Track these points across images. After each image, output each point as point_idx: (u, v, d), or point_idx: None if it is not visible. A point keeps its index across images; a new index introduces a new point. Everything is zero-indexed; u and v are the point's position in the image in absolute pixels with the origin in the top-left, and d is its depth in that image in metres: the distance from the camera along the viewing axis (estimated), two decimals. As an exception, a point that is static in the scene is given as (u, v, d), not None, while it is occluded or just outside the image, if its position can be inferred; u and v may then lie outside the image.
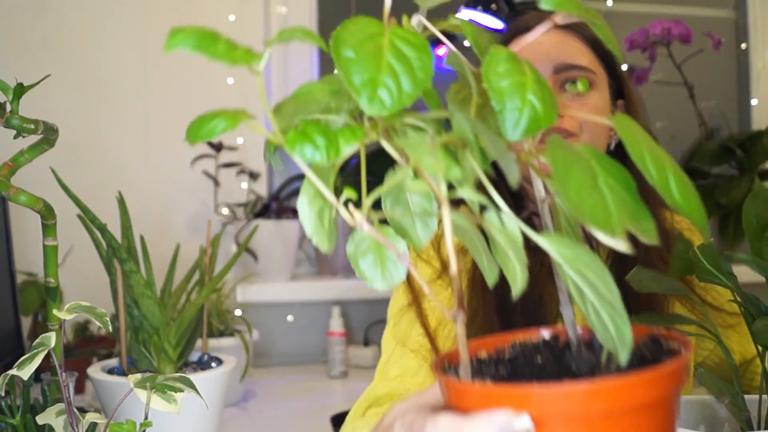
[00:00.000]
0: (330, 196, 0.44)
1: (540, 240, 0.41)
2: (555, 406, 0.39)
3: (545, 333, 0.52)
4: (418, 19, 0.50)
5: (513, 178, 0.40)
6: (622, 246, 0.37)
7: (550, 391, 0.39)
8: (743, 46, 2.42)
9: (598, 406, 0.39)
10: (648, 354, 0.45)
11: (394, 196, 0.50)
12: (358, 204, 0.43)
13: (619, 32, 2.28)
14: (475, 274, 1.04)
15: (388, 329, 1.08)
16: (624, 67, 2.28)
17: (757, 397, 0.71)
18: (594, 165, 0.42)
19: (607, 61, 1.06)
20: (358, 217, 0.43)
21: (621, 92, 1.09)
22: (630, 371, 0.41)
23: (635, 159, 0.43)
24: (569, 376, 0.43)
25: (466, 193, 0.43)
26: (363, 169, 0.46)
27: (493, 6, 2.09)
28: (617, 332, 0.41)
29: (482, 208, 0.44)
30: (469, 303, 1.03)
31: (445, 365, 0.48)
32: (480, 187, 0.44)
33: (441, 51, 2.08)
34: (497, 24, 2.06)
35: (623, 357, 0.40)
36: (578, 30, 1.04)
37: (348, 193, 0.43)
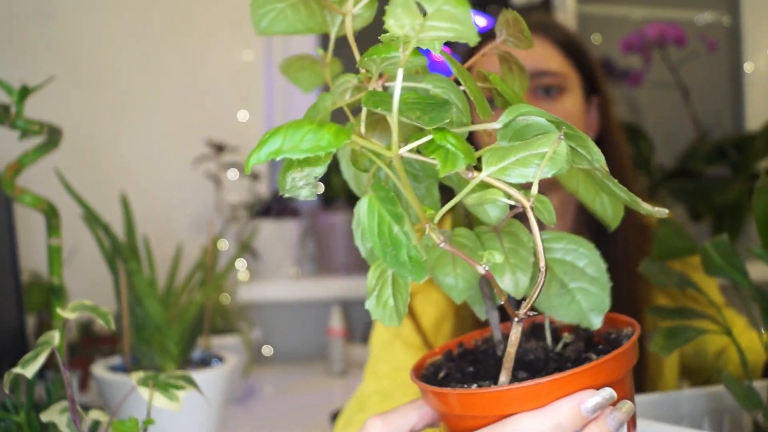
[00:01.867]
0: (422, 215, 0.45)
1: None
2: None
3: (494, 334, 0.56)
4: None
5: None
6: None
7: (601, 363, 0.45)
8: (737, 49, 2.43)
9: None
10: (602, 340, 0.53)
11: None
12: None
13: (615, 35, 2.29)
14: None
15: (377, 329, 1.09)
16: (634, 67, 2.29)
17: None
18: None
19: (579, 60, 1.06)
20: (438, 237, 0.45)
21: (595, 88, 1.10)
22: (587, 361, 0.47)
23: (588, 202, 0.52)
24: (531, 368, 0.49)
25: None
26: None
27: (491, 8, 2.10)
28: (598, 301, 0.50)
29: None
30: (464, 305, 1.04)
31: (427, 377, 0.53)
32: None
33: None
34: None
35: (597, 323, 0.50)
36: (548, 33, 1.05)
37: (429, 212, 0.45)
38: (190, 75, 1.99)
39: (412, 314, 1.06)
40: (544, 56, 1.03)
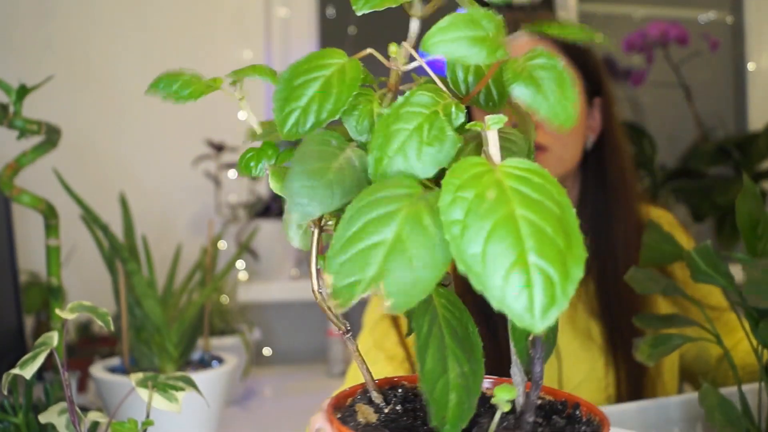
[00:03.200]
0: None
1: None
2: None
3: None
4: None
5: None
6: None
7: None
8: (739, 48, 2.43)
9: None
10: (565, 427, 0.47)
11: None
12: None
13: (617, 34, 2.28)
14: (458, 281, 1.04)
15: (362, 335, 1.08)
16: (636, 66, 2.29)
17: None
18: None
19: (580, 62, 1.06)
20: None
21: (598, 90, 1.09)
22: None
23: None
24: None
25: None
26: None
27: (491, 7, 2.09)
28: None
29: None
30: None
31: (343, 410, 0.48)
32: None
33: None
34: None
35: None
36: (548, 37, 1.04)
37: None
38: (189, 75, 1.98)
39: (397, 326, 1.05)
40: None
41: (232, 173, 1.92)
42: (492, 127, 0.40)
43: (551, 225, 0.35)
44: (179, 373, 0.73)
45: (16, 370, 0.60)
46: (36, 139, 0.88)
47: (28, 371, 0.60)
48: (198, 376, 1.02)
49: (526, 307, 0.34)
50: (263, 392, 1.65)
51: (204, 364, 1.15)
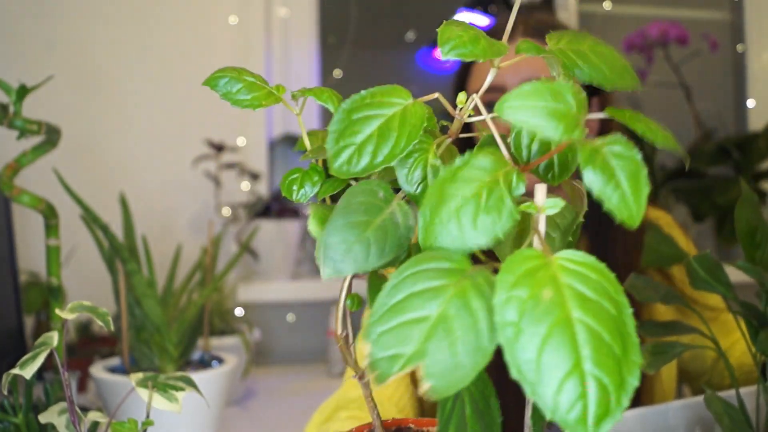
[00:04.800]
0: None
1: None
2: None
3: None
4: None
5: None
6: None
7: None
8: (739, 47, 2.43)
9: None
10: None
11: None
12: None
13: (617, 34, 2.29)
14: None
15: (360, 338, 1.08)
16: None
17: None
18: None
19: None
20: None
21: (596, 90, 1.09)
22: None
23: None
24: None
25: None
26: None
27: (492, 7, 2.09)
28: None
29: None
30: None
31: None
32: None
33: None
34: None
35: None
36: (544, 36, 1.04)
37: None
38: (190, 75, 1.98)
39: None
40: (541, 62, 1.03)
41: (232, 173, 1.92)
42: (548, 210, 0.39)
43: (608, 329, 0.34)
44: (179, 373, 0.73)
45: (16, 370, 0.60)
46: (36, 139, 0.88)
47: (28, 371, 0.60)
48: (198, 376, 1.02)
49: (579, 418, 0.33)
50: (263, 392, 1.65)
51: (204, 364, 1.15)
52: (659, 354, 0.70)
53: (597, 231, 1.05)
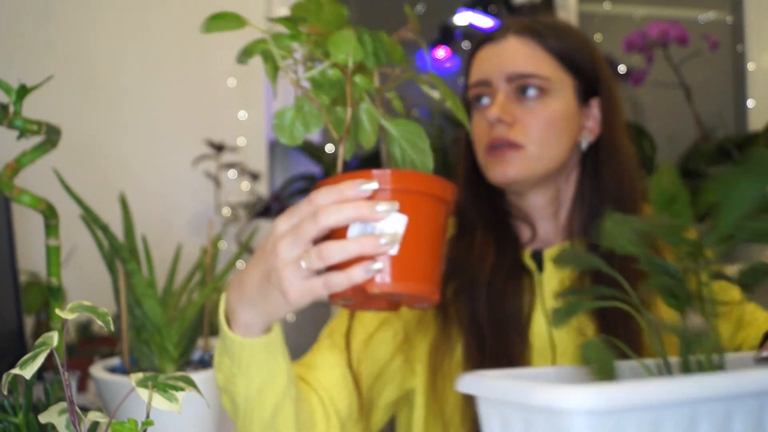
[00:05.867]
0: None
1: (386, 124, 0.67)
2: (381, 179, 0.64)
3: None
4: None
5: None
6: None
7: (379, 171, 0.63)
8: (739, 48, 2.43)
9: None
10: None
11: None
12: None
13: (617, 34, 2.28)
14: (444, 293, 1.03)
15: (330, 322, 1.07)
16: (623, 67, 2.28)
17: None
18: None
19: (573, 64, 1.05)
20: None
21: (595, 90, 1.08)
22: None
23: None
24: None
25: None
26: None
27: (492, 7, 2.09)
28: (421, 162, 0.68)
29: None
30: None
31: None
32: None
33: (440, 53, 2.08)
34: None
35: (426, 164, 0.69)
36: (534, 35, 1.04)
37: None
38: (189, 74, 1.98)
39: (350, 319, 1.02)
40: (527, 58, 1.03)
41: (232, 173, 1.92)
42: None
43: None
44: (179, 373, 0.73)
45: (16, 370, 0.60)
46: (36, 139, 0.88)
47: (28, 371, 0.59)
48: (198, 376, 1.02)
49: None
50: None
51: (204, 364, 1.15)
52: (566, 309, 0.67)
53: (591, 231, 1.04)
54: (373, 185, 0.63)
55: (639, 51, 2.11)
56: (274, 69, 0.64)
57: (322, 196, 0.64)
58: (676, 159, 2.23)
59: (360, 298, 0.65)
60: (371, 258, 0.62)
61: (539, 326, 1.02)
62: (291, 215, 0.67)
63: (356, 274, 0.63)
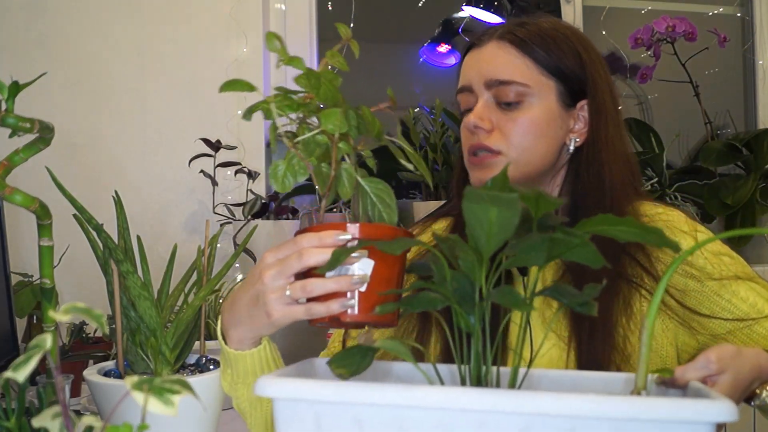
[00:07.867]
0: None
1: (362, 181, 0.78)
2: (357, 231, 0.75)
3: None
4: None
5: None
6: None
7: (351, 225, 0.75)
8: (749, 43, 2.42)
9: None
10: None
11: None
12: None
13: (624, 29, 2.27)
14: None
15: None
16: (631, 66, 2.27)
17: None
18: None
19: (557, 68, 1.05)
20: None
21: (583, 92, 1.07)
22: None
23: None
24: None
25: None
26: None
27: (495, 3, 2.08)
28: (387, 216, 0.78)
29: None
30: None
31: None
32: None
33: (442, 48, 2.07)
34: (499, 21, 2.06)
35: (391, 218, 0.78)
36: (515, 41, 1.04)
37: None
38: (185, 72, 1.97)
39: (346, 333, 1.15)
40: (506, 65, 1.04)
41: (229, 172, 1.91)
42: None
43: None
44: (175, 377, 0.71)
45: (8, 374, 0.58)
46: (29, 137, 0.87)
47: (21, 375, 0.58)
48: (194, 380, 1.01)
49: None
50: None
51: (200, 367, 1.14)
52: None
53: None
54: (348, 236, 0.75)
55: (646, 47, 2.10)
56: (274, 129, 0.77)
57: (307, 240, 0.77)
58: (685, 156, 2.22)
59: (334, 324, 0.78)
60: (344, 294, 0.75)
61: (517, 329, 1.00)
62: (278, 251, 0.80)
63: (334, 307, 0.75)
